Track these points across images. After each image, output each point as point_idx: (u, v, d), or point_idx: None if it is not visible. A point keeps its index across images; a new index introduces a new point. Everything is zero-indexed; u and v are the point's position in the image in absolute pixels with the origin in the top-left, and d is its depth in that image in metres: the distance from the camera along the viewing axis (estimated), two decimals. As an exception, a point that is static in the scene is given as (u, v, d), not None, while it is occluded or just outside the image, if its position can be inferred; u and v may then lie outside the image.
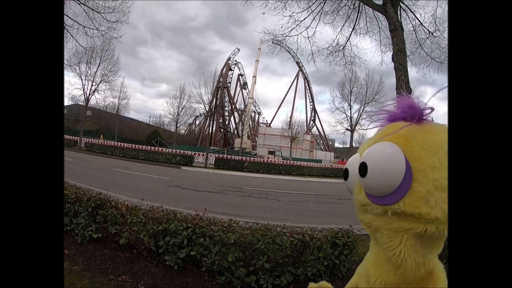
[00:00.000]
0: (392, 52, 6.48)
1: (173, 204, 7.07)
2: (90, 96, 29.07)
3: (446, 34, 8.39)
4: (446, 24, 8.35)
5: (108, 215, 3.89)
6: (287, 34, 8.98)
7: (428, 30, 8.55)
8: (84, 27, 10.38)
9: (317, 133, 57.52)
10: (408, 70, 6.36)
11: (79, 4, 9.79)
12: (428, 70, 9.07)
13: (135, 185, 10.68)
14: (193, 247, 3.29)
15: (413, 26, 8.66)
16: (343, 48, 9.20)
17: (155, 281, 3.22)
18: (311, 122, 56.87)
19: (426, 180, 0.51)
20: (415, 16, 8.56)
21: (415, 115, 0.57)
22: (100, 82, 28.96)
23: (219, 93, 45.75)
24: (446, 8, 8.02)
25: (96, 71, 28.46)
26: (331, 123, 33.78)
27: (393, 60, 6.27)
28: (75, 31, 10.47)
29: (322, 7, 8.61)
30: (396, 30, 6.36)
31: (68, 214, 4.19)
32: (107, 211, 3.93)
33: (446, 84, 0.48)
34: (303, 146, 49.32)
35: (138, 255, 3.69)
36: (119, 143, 28.80)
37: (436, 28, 8.46)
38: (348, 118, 30.89)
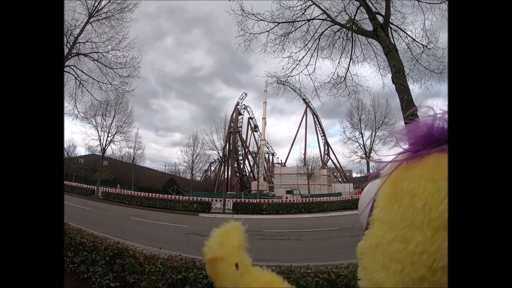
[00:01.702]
0: (391, 74, 6.56)
1: (193, 252, 6.87)
2: (106, 146, 30.20)
3: (439, 45, 8.54)
4: (437, 35, 8.52)
5: (126, 264, 3.82)
6: (288, 74, 9.31)
7: (421, 44, 8.77)
8: (99, 82, 11.05)
9: (333, 166, 56.75)
10: (411, 88, 6.39)
11: (92, 60, 10.52)
12: (430, 83, 9.12)
13: (153, 233, 10.57)
14: (213, 297, 3.15)
15: (406, 44, 8.90)
16: (344, 79, 9.43)
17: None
18: (326, 156, 56.48)
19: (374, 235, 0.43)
20: (406, 34, 8.85)
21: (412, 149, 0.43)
22: (115, 133, 30.19)
23: (231, 138, 46.53)
24: (434, 19, 8.21)
25: (111, 123, 29.73)
26: (345, 154, 33.40)
27: (393, 82, 6.33)
28: (90, 86, 11.13)
29: (318, 43, 9.00)
30: (391, 52, 6.51)
31: (85, 262, 4.16)
32: (125, 260, 3.87)
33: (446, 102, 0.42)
34: (321, 181, 48.46)
35: (157, 305, 3.53)
36: (136, 192, 29.02)
37: (429, 41, 8.68)
38: (362, 146, 30.57)
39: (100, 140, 29.74)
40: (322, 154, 56.03)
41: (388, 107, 29.73)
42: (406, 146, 0.45)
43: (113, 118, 29.67)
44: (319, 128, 57.94)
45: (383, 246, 0.40)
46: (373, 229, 0.43)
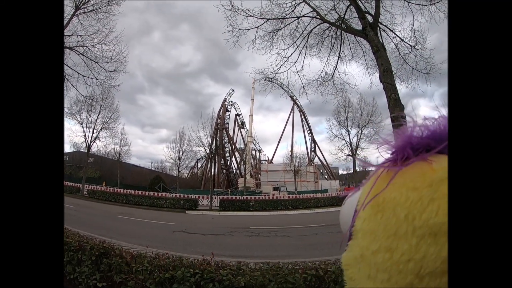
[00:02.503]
0: (379, 73, 6.65)
1: (180, 250, 6.86)
2: (92, 143, 29.59)
3: (427, 45, 8.74)
4: (425, 36, 8.73)
5: (113, 263, 3.76)
6: (276, 71, 9.30)
7: (409, 44, 8.92)
8: (84, 76, 10.80)
9: (320, 163, 57.36)
10: (398, 87, 6.51)
11: (78, 54, 10.27)
12: (417, 83, 9.33)
13: (140, 232, 10.47)
14: (202, 294, 3.13)
15: (394, 44, 9.05)
16: (332, 77, 9.50)
17: (164, 332, 3.02)
18: (312, 153, 57.01)
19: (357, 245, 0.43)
20: (395, 34, 8.98)
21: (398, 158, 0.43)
22: (101, 129, 29.62)
23: (218, 135, 46.38)
24: (423, 21, 8.39)
25: (96, 119, 29.21)
26: (332, 151, 33.87)
27: (381, 81, 6.44)
28: (75, 80, 10.87)
29: (307, 41, 9.03)
30: (379, 51, 6.60)
31: (71, 262, 4.07)
32: (111, 259, 3.81)
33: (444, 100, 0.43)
34: (307, 178, 48.95)
35: (145, 305, 3.49)
36: (122, 190, 28.55)
37: (417, 41, 8.84)
38: (348, 143, 31.05)
39: (85, 136, 29.09)
40: (309, 151, 56.53)
41: (374, 105, 30.25)
42: (386, 156, 0.44)
43: (99, 114, 29.13)
44: (306, 126, 58.32)
45: (368, 257, 0.40)
46: (357, 240, 0.43)
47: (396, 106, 5.95)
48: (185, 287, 3.27)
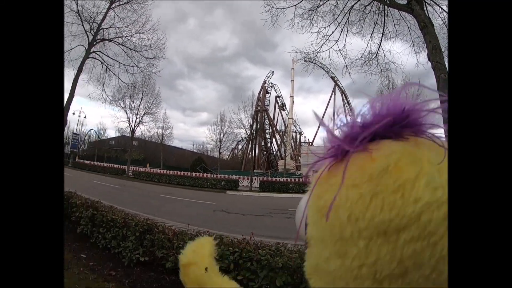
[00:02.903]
0: (426, 51, 6.11)
1: (220, 229, 7.07)
2: (135, 127, 31.30)
3: None
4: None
5: (156, 239, 3.97)
6: (318, 50, 8.95)
7: None
8: (125, 65, 11.29)
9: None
10: (447, 66, 5.97)
11: (117, 44, 10.73)
12: None
13: (182, 210, 10.96)
14: (239, 271, 3.21)
15: (442, 20, 8.24)
16: (376, 55, 8.96)
17: (201, 306, 3.15)
18: (354, 136, 55.27)
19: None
20: (442, 9, 8.15)
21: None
22: (143, 114, 31.18)
23: (258, 117, 46.45)
24: None
25: (139, 105, 30.71)
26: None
27: (429, 59, 5.91)
28: (117, 70, 11.42)
29: (348, 17, 8.53)
30: (426, 27, 6.04)
31: (116, 237, 4.38)
32: (154, 235, 4.02)
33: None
34: (349, 162, 47.75)
35: (184, 279, 3.67)
36: (164, 171, 30.18)
37: None
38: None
39: (129, 121, 30.77)
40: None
41: (420, 87, 28.30)
42: (324, 152, 0.40)
43: (141, 100, 30.57)
44: (348, 107, 56.21)
45: (322, 265, 0.37)
46: (311, 248, 0.39)
47: (445, 87, 5.46)
48: (223, 265, 3.36)
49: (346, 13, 8.48)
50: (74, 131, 44.81)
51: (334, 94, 57.15)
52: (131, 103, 30.14)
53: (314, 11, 8.50)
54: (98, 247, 4.65)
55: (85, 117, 45.00)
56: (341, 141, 0.37)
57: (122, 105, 29.56)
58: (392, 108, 0.36)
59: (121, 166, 32.09)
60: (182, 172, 28.45)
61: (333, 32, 8.81)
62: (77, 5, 9.24)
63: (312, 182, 0.40)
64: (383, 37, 8.72)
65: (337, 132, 0.39)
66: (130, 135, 32.27)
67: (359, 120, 0.38)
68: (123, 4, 10.54)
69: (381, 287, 0.32)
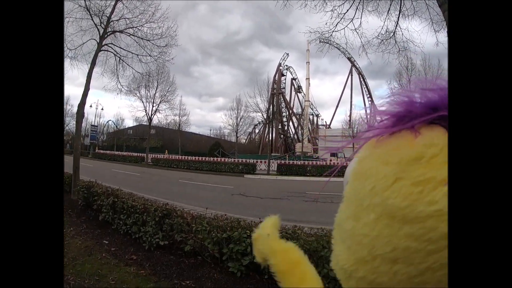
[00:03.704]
0: (446, 29, 5.79)
1: (238, 212, 7.18)
2: (153, 116, 31.83)
3: None
4: None
5: (174, 223, 4.09)
6: (333, 29, 8.64)
7: None
8: (138, 55, 11.35)
9: (380, 129, 54.26)
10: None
11: (129, 35, 10.76)
12: None
13: (200, 195, 11.15)
14: (256, 254, 3.27)
15: None
16: (394, 34, 8.53)
17: (218, 287, 3.27)
18: (372, 118, 54.03)
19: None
20: None
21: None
22: (160, 102, 31.66)
23: (274, 100, 46.04)
24: None
25: (155, 93, 31.15)
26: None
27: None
28: (130, 60, 11.49)
29: (363, -6, 8.14)
30: (446, 3, 5.70)
31: (136, 223, 4.54)
32: (173, 220, 4.14)
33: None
34: (367, 144, 46.98)
35: (202, 262, 3.80)
36: (183, 157, 30.77)
37: None
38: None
39: (146, 110, 31.39)
40: (369, 116, 53.58)
41: (440, 67, 27.05)
42: (378, 121, 0.41)
43: (156, 89, 31.05)
44: (365, 89, 54.84)
45: (343, 222, 0.40)
46: (342, 204, 0.42)
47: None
48: (241, 247, 3.44)
49: (361, -11, 8.12)
50: (93, 123, 46.09)
51: (351, 75, 55.77)
52: (146, 92, 30.72)
53: (328, -12, 8.19)
54: (119, 233, 4.83)
55: (102, 109, 45.96)
56: (400, 115, 0.37)
57: (138, 94, 30.21)
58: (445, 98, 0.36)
59: (140, 154, 33.05)
60: (200, 158, 28.80)
61: (347, 10, 8.40)
62: (84, 0, 9.30)
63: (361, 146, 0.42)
64: (400, 15, 8.26)
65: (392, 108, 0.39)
66: (148, 124, 32.78)
67: (421, 99, 0.37)
68: (130, -6, 10.56)
69: (372, 264, 0.34)
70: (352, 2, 8.25)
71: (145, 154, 31.30)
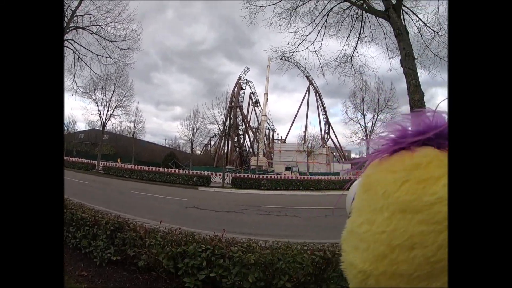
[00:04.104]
0: (400, 57, 6.43)
1: (192, 225, 7.04)
2: (107, 121, 30.15)
3: None
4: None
5: (127, 237, 3.90)
6: (294, 50, 9.07)
7: (432, 30, 8.57)
8: (98, 55, 10.83)
9: (333, 145, 56.79)
10: (418, 73, 6.29)
11: (91, 33, 10.27)
12: (438, 71, 9.02)
13: (153, 207, 10.77)
14: (212, 268, 3.24)
15: (417, 28, 8.69)
16: (351, 58, 9.22)
17: (175, 303, 3.16)
18: (326, 135, 56.44)
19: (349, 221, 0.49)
20: (418, 18, 8.62)
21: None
22: (115, 107, 30.00)
23: (232, 113, 46.29)
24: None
25: (111, 97, 29.48)
26: (346, 135, 33.87)
27: (402, 65, 6.22)
28: (89, 60, 10.91)
29: (326, 19, 8.72)
30: (401, 35, 6.33)
31: (87, 237, 4.26)
32: (125, 234, 3.95)
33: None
34: (320, 160, 48.78)
35: (157, 277, 3.66)
36: (136, 166, 29.21)
37: (441, 27, 8.45)
38: (363, 127, 30.62)
39: (100, 114, 29.57)
40: (323, 133, 55.94)
41: (392, 90, 29.50)
42: (380, 146, 0.50)
43: (113, 92, 29.36)
44: (321, 107, 57.46)
45: (355, 229, 0.46)
46: (351, 217, 0.49)
47: (416, 92, 5.79)
48: (196, 262, 3.38)
49: (325, 15, 8.62)
50: (40, 124, 42.12)
51: (309, 93, 58.12)
52: (102, 95, 28.94)
53: (293, 11, 8.58)
54: (68, 247, 4.47)
55: (52, 109, 42.46)
56: (397, 140, 0.47)
57: (93, 97, 28.45)
58: (439, 123, 0.45)
59: (91, 161, 30.74)
60: (154, 168, 27.68)
61: (310, 33, 8.93)
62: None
63: (365, 168, 0.51)
64: (359, 41, 8.99)
65: (390, 134, 0.48)
66: (101, 129, 30.94)
67: (413, 128, 0.47)
68: (100, -10, 10.07)
69: (391, 256, 0.40)
70: (315, 25, 8.74)
71: (96, 162, 29.24)
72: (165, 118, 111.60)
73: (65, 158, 32.46)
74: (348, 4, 8.24)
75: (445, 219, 0.38)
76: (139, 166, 28.68)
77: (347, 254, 0.47)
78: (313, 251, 3.27)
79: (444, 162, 0.41)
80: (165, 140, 61.68)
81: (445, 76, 9.07)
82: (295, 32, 8.91)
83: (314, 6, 8.52)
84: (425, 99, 6.11)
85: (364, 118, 30.86)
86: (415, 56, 6.92)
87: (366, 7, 7.94)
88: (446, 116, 0.44)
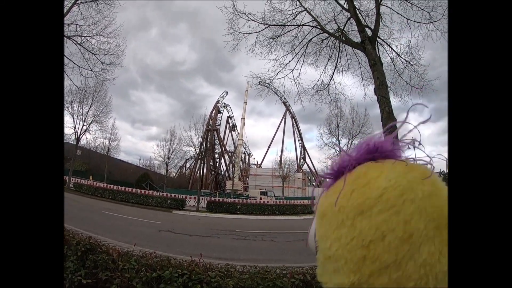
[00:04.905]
0: (374, 85, 6.78)
1: (166, 249, 6.78)
2: (81, 135, 29.36)
3: (422, 62, 9.10)
4: (421, 53, 9.06)
5: (99, 260, 3.68)
6: (273, 77, 9.37)
7: (405, 59, 9.17)
8: (79, 67, 10.61)
9: (308, 170, 57.50)
10: (391, 100, 6.64)
11: (75, 44, 10.09)
12: (410, 98, 9.54)
13: (126, 229, 10.31)
14: (189, 295, 3.11)
15: (391, 58, 9.28)
16: (328, 86, 9.62)
17: (150, 331, 2.97)
18: (301, 159, 57.21)
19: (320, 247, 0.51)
20: (391, 48, 9.25)
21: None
22: (91, 122, 29.46)
23: (209, 136, 46.10)
24: (420, 38, 8.72)
25: (88, 111, 28.97)
26: (321, 159, 34.50)
27: (376, 93, 6.56)
28: (70, 70, 10.65)
29: (305, 49, 9.12)
30: (376, 65, 6.72)
31: (56, 258, 3.94)
32: (97, 256, 3.73)
33: (427, 113, 0.51)
34: (295, 184, 49.05)
35: (131, 303, 3.43)
36: (108, 185, 28.07)
37: (412, 57, 9.10)
38: (338, 153, 31.32)
39: (75, 128, 28.81)
40: (298, 157, 56.62)
41: (366, 116, 30.76)
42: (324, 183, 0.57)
43: (90, 107, 28.92)
44: (297, 132, 58.63)
45: (327, 254, 0.47)
46: (318, 249, 0.51)
47: (389, 119, 6.07)
48: (172, 287, 3.24)
49: (304, 45, 9.05)
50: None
51: (285, 118, 59.27)
52: (79, 108, 28.35)
53: (275, 39, 8.97)
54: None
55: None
56: (341, 166, 0.53)
57: (70, 109, 27.63)
58: (370, 145, 0.52)
59: (62, 176, 29.36)
60: (127, 188, 26.67)
61: (290, 61, 9.32)
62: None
63: (316, 205, 0.55)
64: (336, 70, 9.46)
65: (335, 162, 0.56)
66: (75, 143, 29.84)
67: (352, 153, 0.54)
68: (89, 1, 9.95)
69: (370, 252, 0.42)
70: (295, 54, 9.11)
71: (67, 177, 27.65)
72: (140, 137, 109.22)
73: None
74: (326, 35, 8.72)
75: (397, 199, 0.43)
76: (112, 186, 27.60)
77: (330, 281, 0.48)
78: (293, 275, 3.23)
79: (379, 166, 0.48)
80: (140, 160, 60.06)
81: (416, 102, 9.58)
82: (275, 60, 9.24)
83: (294, 35, 8.94)
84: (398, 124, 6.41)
85: (339, 143, 31.68)
86: (388, 85, 7.35)
87: (344, 39, 8.45)
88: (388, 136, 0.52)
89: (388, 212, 0.42)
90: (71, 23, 9.83)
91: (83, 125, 29.02)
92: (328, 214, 0.48)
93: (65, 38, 9.69)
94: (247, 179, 55.05)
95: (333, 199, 0.48)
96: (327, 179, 0.56)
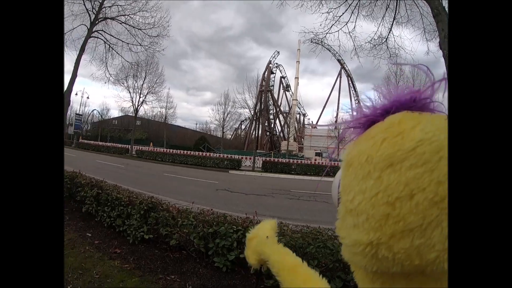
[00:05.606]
0: (438, 39, 5.97)
1: (223, 207, 7.18)
2: (139, 107, 31.37)
3: None
4: None
5: (160, 217, 4.03)
6: (327, 31, 8.73)
7: None
8: (128, 44, 11.10)
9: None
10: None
11: (120, 23, 10.50)
12: None
13: (185, 189, 11.08)
14: (242, 250, 3.27)
15: None
16: (386, 40, 8.72)
17: (203, 282, 3.25)
18: (359, 120, 54.85)
19: (343, 200, 0.47)
20: None
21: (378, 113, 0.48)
22: (147, 93, 31.20)
23: (263, 97, 46.08)
24: None
25: (142, 84, 30.72)
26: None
27: (440, 48, 5.76)
28: (120, 49, 11.22)
29: (359, -1, 8.25)
30: (439, 15, 5.84)
31: (121, 216, 4.46)
32: (158, 213, 4.09)
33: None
34: (352, 145, 47.69)
35: (188, 256, 3.78)
36: (168, 150, 30.35)
37: None
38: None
39: (132, 101, 30.86)
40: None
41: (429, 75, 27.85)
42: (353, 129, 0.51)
43: (144, 79, 30.53)
44: (353, 92, 55.71)
45: (349, 207, 0.44)
46: (341, 200, 0.47)
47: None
48: (227, 243, 3.44)
49: (358, -6, 8.21)
50: (77, 112, 44.94)
51: (340, 77, 56.44)
52: (134, 82, 30.20)
53: (325, -10, 8.23)
54: (103, 225, 4.72)
55: (88, 98, 45.08)
56: (371, 113, 0.48)
57: (125, 84, 29.73)
58: (403, 95, 0.47)
59: (125, 145, 32.53)
60: (185, 151, 28.51)
61: (343, 13, 8.53)
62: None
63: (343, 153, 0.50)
64: (394, 22, 8.47)
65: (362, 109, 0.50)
66: (133, 115, 32.23)
67: (383, 101, 0.49)
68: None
69: (394, 211, 0.38)
70: (348, 5, 8.33)
71: (129, 146, 30.75)
72: (195, 103, 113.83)
73: (100, 143, 34.56)
74: (382, -19, 7.77)
75: (432, 155, 0.37)
76: (171, 150, 29.70)
77: (347, 237, 0.45)
78: (344, 238, 3.21)
79: (415, 116, 0.43)
80: (196, 124, 63.21)
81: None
82: (327, 12, 8.56)
83: (347, -16, 8.12)
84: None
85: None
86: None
87: (402, -16, 7.45)
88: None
89: (420, 168, 0.37)
90: (112, 5, 10.17)
91: (140, 97, 30.83)
92: (354, 164, 0.44)
93: (109, 20, 10.08)
94: (302, 139, 54.78)
95: (361, 148, 0.44)
96: (357, 127, 0.50)
